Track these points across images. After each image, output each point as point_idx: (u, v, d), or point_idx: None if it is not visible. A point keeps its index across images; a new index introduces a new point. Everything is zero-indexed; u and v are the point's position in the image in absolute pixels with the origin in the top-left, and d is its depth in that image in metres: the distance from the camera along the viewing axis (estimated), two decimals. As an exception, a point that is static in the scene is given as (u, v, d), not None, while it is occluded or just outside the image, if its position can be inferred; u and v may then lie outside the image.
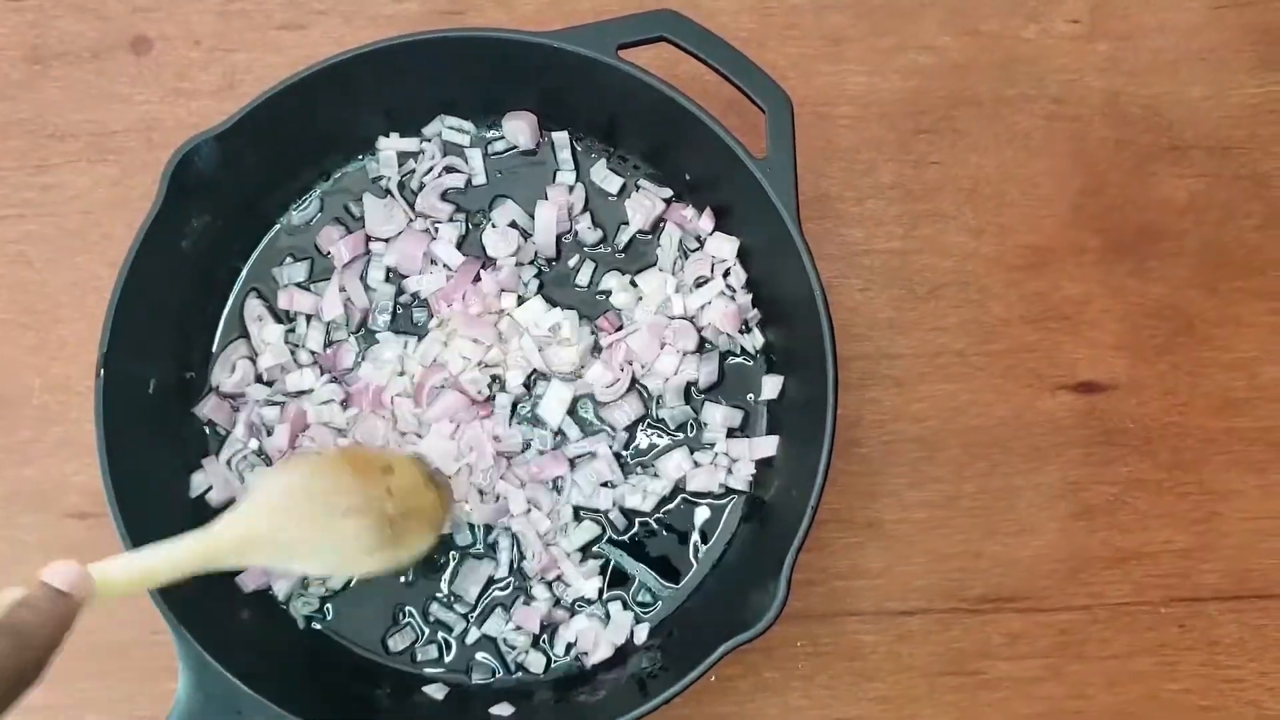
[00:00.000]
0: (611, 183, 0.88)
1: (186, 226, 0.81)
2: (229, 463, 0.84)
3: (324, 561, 0.71)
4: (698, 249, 0.87)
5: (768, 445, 0.84)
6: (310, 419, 0.84)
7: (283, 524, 0.67)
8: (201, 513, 0.83)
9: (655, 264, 0.88)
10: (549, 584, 0.83)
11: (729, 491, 0.85)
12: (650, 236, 0.88)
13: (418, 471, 0.74)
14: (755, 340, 0.86)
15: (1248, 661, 0.87)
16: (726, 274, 0.86)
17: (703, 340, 0.86)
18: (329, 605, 0.83)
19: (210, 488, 0.84)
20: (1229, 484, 0.89)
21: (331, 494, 0.69)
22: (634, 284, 0.87)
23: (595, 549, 0.84)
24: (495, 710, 0.80)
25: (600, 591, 0.84)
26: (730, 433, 0.86)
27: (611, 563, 0.84)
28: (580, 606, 0.84)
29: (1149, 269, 0.92)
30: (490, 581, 0.83)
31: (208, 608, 0.77)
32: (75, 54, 0.94)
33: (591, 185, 0.89)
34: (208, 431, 0.85)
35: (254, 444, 0.85)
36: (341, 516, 0.68)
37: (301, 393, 0.85)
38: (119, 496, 0.74)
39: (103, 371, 0.76)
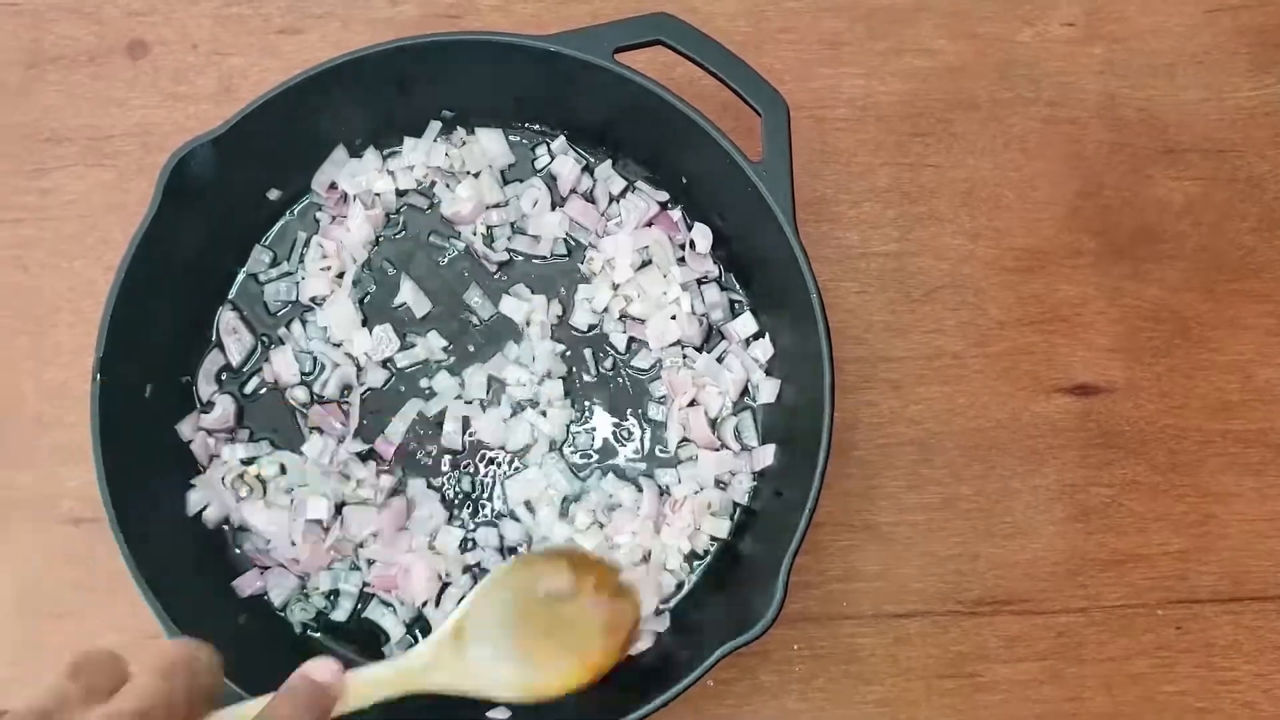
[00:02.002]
0: (615, 184, 0.89)
1: (183, 231, 0.81)
2: (223, 480, 0.84)
3: (526, 675, 0.66)
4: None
5: (766, 455, 0.84)
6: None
7: (488, 635, 0.65)
8: (199, 522, 0.83)
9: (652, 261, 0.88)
10: None
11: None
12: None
13: (613, 578, 0.71)
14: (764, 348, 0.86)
15: (1243, 663, 0.87)
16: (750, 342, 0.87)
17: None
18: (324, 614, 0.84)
19: (206, 505, 0.83)
20: (1225, 486, 0.90)
21: (534, 580, 0.68)
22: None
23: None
24: (493, 715, 0.80)
25: None
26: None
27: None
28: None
29: (1145, 271, 0.92)
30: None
31: (204, 612, 0.77)
32: (72, 58, 0.94)
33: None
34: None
35: (240, 453, 0.84)
36: (544, 604, 0.67)
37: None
38: (115, 502, 0.74)
39: (99, 377, 0.76)
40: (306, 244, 0.88)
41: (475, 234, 0.87)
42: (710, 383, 0.85)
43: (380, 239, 0.88)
